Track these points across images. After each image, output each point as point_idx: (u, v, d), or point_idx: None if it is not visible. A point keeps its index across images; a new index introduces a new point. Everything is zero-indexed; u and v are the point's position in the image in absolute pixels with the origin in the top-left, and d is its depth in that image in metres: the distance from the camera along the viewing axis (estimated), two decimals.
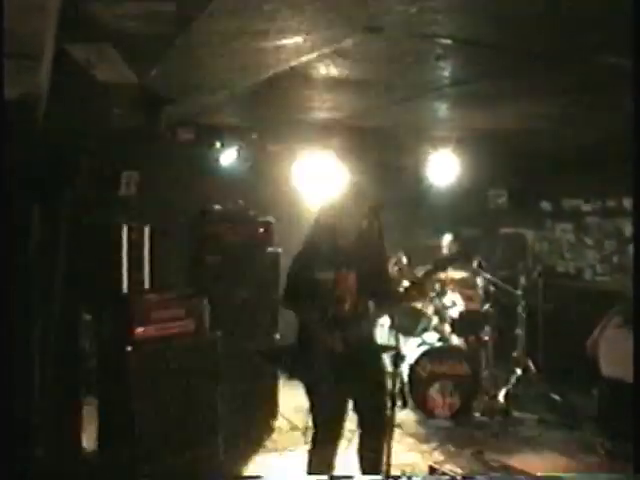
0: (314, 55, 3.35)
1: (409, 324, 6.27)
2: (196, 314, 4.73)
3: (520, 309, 6.44)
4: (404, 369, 5.83)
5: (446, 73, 3.85)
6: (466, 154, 6.66)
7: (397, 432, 3.59)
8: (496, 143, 6.62)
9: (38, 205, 3.88)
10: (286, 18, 2.75)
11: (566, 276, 7.38)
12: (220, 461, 4.72)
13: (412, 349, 6.08)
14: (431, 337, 6.25)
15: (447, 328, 6.37)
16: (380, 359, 3.89)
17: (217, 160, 6.23)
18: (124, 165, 5.71)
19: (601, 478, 4.61)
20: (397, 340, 3.58)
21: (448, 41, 3.14)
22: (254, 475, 4.79)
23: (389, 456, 3.21)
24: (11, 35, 2.37)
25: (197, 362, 4.65)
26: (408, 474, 4.59)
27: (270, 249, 5.73)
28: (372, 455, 3.70)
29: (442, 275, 6.34)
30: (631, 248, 6.43)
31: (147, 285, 5.58)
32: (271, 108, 5.20)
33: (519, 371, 6.39)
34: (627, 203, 6.69)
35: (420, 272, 6.29)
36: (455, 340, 6.38)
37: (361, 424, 3.81)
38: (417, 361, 5.88)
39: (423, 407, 5.87)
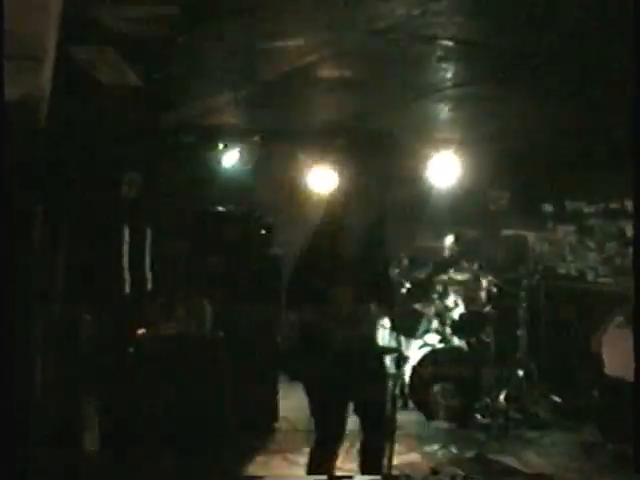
0: (316, 57, 3.35)
1: (410, 326, 6.26)
2: (197, 315, 4.73)
3: (521, 311, 6.44)
4: (406, 371, 5.82)
5: (448, 75, 3.85)
6: (468, 155, 6.65)
7: (398, 433, 3.57)
8: (498, 144, 6.61)
9: (38, 206, 3.87)
10: (288, 20, 2.76)
11: (568, 278, 7.36)
12: (221, 461, 4.72)
13: (414, 351, 6.07)
14: (432, 339, 6.25)
15: (448, 330, 6.37)
16: (381, 361, 3.88)
17: (219, 162, 6.24)
18: (126, 166, 5.71)
19: (602, 479, 4.61)
20: (398, 342, 3.57)
21: (450, 43, 3.14)
22: (255, 475, 4.79)
23: (390, 457, 3.21)
24: (12, 36, 2.38)
25: (198, 362, 4.65)
26: (408, 474, 4.58)
27: (271, 250, 5.73)
28: (373, 456, 3.70)
29: (443, 277, 6.33)
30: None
31: (148, 286, 5.58)
32: (273, 110, 5.21)
33: (521, 373, 6.38)
34: (629, 205, 6.67)
35: (421, 274, 6.31)
36: (457, 342, 6.38)
37: (362, 425, 3.81)
38: (419, 363, 5.87)
39: (425, 409, 5.86)
